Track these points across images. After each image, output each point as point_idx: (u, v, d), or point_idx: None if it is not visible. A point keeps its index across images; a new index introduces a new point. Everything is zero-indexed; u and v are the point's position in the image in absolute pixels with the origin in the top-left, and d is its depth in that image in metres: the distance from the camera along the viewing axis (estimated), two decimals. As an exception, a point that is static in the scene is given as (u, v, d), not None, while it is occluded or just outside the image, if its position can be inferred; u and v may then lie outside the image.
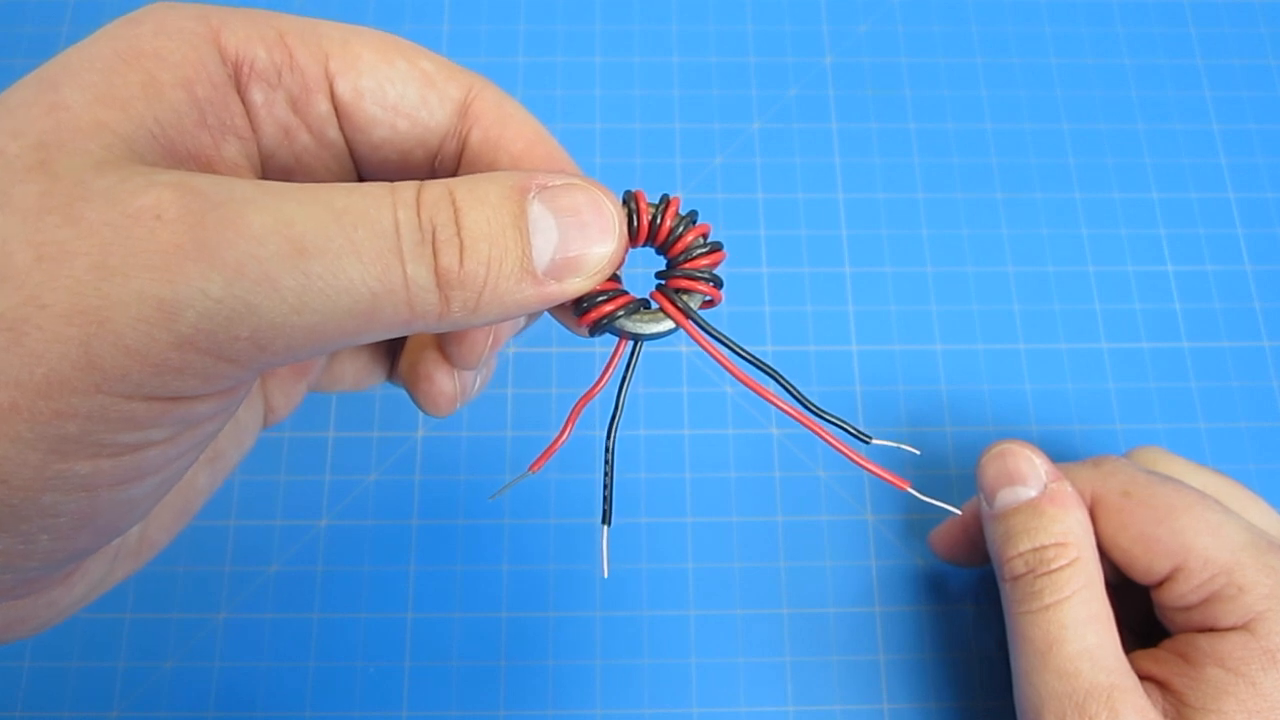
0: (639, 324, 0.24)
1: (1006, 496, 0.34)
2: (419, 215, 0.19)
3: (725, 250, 0.25)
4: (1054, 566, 0.32)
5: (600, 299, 0.23)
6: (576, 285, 0.21)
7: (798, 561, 0.41)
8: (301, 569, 0.40)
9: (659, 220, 0.24)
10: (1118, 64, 0.50)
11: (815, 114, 0.48)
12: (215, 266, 0.17)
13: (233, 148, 0.23)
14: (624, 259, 0.23)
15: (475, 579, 0.40)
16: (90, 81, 0.19)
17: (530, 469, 0.24)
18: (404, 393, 0.30)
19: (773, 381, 0.25)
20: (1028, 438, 0.43)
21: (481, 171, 0.24)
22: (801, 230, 0.46)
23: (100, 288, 0.17)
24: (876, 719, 0.39)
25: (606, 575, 0.26)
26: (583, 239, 0.21)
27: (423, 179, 0.21)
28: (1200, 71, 0.50)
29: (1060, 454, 0.43)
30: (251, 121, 0.23)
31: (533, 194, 0.21)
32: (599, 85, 0.49)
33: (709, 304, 0.24)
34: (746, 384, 0.24)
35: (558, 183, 0.21)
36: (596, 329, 0.24)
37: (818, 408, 0.25)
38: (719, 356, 0.24)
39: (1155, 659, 0.32)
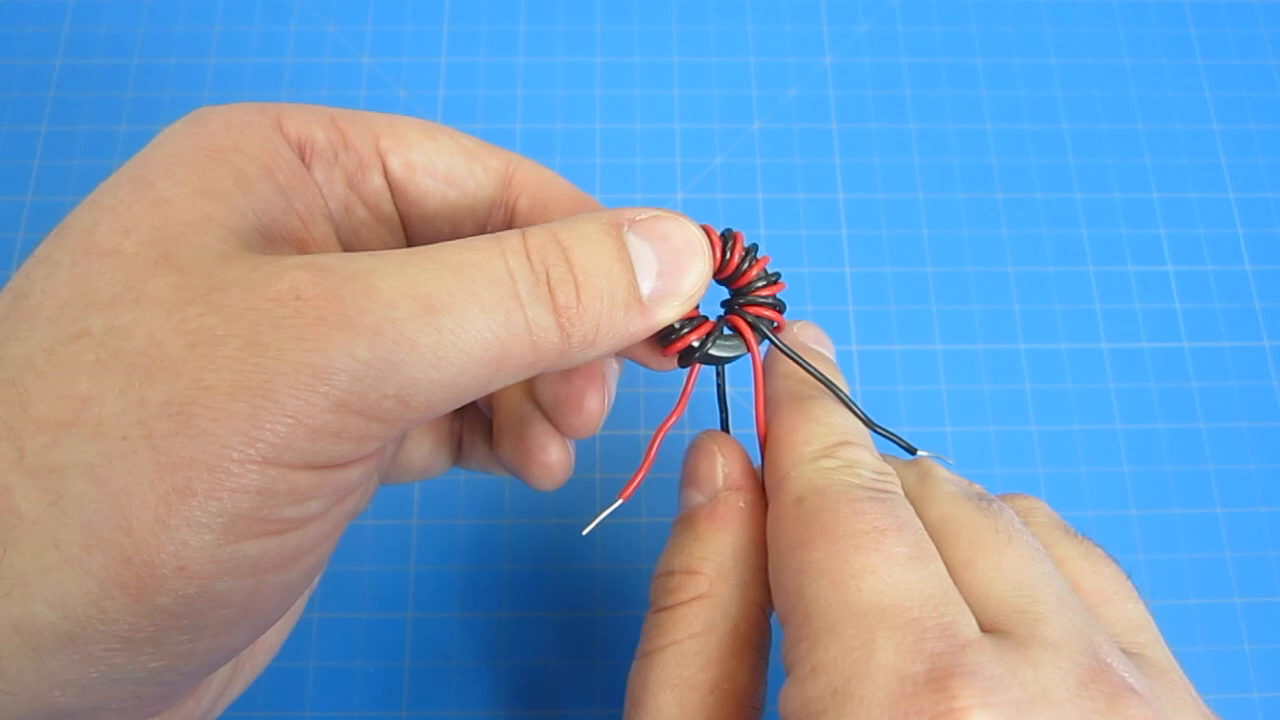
0: (724, 348, 0.25)
1: (683, 501, 0.27)
2: (529, 259, 0.20)
3: (784, 280, 0.26)
4: (672, 601, 0.23)
5: (684, 329, 0.24)
6: (675, 310, 0.22)
7: (798, 561, 0.41)
8: (301, 569, 0.40)
9: (728, 255, 0.25)
10: (1118, 64, 0.50)
11: (815, 114, 0.48)
12: (358, 332, 0.18)
13: (321, 227, 0.24)
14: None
15: (475, 579, 0.40)
16: (183, 176, 0.20)
17: (620, 497, 0.26)
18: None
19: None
20: (1027, 438, 0.43)
21: None
22: (801, 230, 0.46)
23: (258, 363, 0.17)
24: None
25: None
26: (678, 263, 0.22)
27: None
28: (1200, 71, 0.50)
29: (1060, 454, 0.43)
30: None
31: (626, 227, 0.22)
32: (599, 85, 0.49)
33: (774, 329, 0.26)
34: (760, 427, 0.26)
35: (644, 216, 0.22)
36: (686, 358, 0.25)
37: (868, 419, 0.26)
38: (759, 386, 0.26)
39: None
